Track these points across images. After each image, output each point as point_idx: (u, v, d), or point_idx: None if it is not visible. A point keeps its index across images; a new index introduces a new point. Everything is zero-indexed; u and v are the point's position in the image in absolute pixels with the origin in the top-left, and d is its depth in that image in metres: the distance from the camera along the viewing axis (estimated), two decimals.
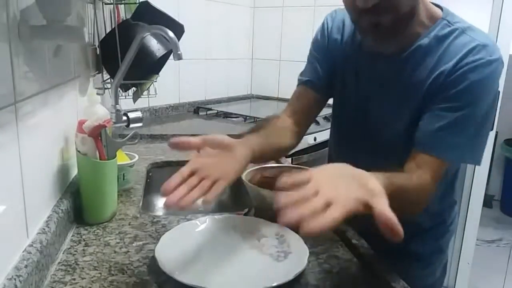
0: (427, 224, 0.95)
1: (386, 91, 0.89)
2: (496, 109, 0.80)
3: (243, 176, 0.99)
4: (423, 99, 0.82)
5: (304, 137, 1.84)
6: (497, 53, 0.78)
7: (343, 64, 0.96)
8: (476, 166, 2.19)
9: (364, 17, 0.77)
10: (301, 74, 1.04)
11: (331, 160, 1.11)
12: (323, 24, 1.00)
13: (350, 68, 0.94)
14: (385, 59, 0.88)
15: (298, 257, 0.74)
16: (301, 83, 1.03)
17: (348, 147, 1.01)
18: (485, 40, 0.79)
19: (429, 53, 0.82)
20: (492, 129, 0.84)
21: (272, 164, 1.10)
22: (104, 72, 1.36)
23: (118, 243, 0.82)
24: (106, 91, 1.36)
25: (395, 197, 0.59)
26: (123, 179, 1.08)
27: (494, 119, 2.06)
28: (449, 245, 1.05)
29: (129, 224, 0.91)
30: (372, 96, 0.91)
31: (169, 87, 2.12)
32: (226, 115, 2.18)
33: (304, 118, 1.02)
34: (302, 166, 1.07)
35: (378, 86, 0.90)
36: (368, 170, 0.65)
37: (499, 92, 0.81)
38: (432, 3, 0.85)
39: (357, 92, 0.94)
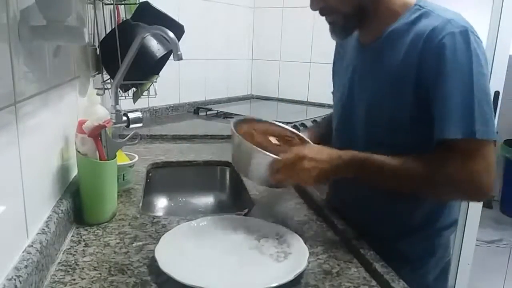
0: (416, 222, 0.92)
1: (366, 78, 0.92)
2: (485, 78, 0.79)
3: (232, 124, 0.96)
4: (396, 85, 0.83)
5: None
6: (463, 25, 0.78)
7: (341, 61, 1.04)
8: None
9: (323, 16, 0.89)
10: None
11: None
12: None
13: (343, 63, 1.02)
14: (363, 48, 0.93)
15: (298, 257, 0.75)
16: None
17: (341, 141, 1.03)
18: (451, 15, 0.80)
19: (400, 37, 0.84)
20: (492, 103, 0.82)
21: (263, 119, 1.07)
22: (104, 72, 1.36)
23: (118, 243, 0.82)
24: (106, 91, 1.37)
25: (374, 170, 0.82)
26: (123, 179, 1.08)
27: (495, 115, 2.07)
28: (448, 249, 1.02)
29: (129, 225, 0.91)
30: (356, 86, 0.95)
31: (169, 87, 2.12)
32: (226, 116, 2.18)
33: None
34: (292, 129, 1.06)
35: (360, 75, 0.94)
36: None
37: (483, 60, 0.79)
38: None
39: (345, 84, 0.98)
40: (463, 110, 0.76)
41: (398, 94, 0.84)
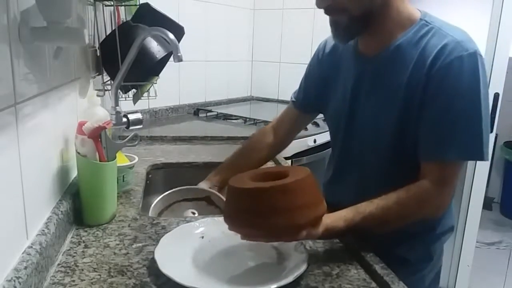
0: (414, 228, 0.92)
1: (368, 92, 0.90)
2: (487, 101, 0.81)
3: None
4: (404, 100, 0.83)
5: (304, 139, 1.84)
6: (472, 47, 0.78)
7: (334, 75, 1.00)
8: (476, 168, 2.18)
9: (328, 15, 0.87)
10: (294, 92, 1.17)
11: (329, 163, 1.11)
12: (318, 47, 1.10)
13: (338, 76, 0.98)
14: (366, 59, 0.91)
15: (298, 259, 0.74)
16: (290, 100, 1.17)
17: (339, 153, 1.02)
18: (459, 36, 0.79)
19: (408, 53, 0.83)
20: (492, 130, 0.84)
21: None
22: (104, 73, 1.36)
23: (117, 244, 0.82)
24: (106, 92, 1.36)
25: (376, 218, 0.79)
26: (123, 180, 1.08)
27: (495, 117, 2.07)
28: (444, 252, 1.02)
29: (129, 226, 0.91)
30: (357, 99, 0.93)
31: (169, 88, 2.12)
32: (226, 117, 2.18)
33: (286, 131, 1.17)
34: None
35: (360, 87, 0.92)
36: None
37: (486, 84, 0.81)
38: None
39: (344, 97, 0.95)
40: (462, 133, 0.79)
41: (405, 112, 0.83)
